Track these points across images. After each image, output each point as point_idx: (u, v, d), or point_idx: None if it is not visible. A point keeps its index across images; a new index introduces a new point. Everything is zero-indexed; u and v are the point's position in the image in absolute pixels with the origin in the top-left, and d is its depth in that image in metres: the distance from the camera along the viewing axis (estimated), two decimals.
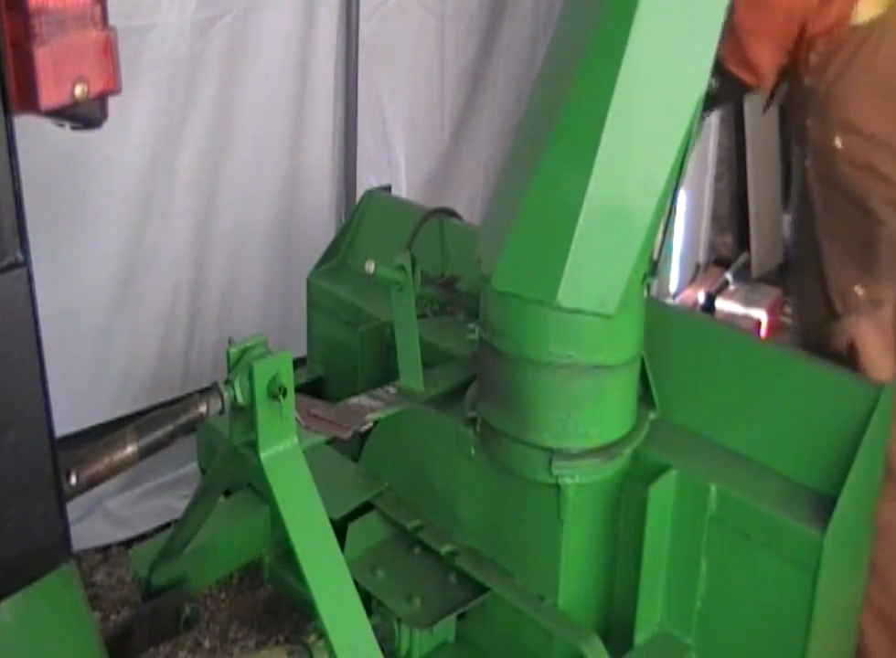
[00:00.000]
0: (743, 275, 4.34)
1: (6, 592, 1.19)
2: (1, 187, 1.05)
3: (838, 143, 1.97)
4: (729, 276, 4.29)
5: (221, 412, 1.59)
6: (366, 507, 2.14)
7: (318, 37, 2.97)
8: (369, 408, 1.96)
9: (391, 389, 2.05)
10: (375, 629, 1.66)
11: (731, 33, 1.77)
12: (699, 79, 1.64)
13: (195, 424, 1.58)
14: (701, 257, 4.40)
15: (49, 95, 1.08)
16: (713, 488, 1.77)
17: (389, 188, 2.70)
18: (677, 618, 1.88)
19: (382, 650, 1.62)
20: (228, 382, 1.57)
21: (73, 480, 1.43)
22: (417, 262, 1.98)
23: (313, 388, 2.51)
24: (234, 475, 1.85)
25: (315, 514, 1.61)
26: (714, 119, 4.12)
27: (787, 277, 3.99)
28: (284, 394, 1.56)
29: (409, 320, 2.03)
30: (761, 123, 4.28)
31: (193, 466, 2.64)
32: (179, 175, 2.69)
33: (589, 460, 1.78)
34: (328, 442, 1.90)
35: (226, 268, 2.91)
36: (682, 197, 2.00)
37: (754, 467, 1.82)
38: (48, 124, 1.14)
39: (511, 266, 1.70)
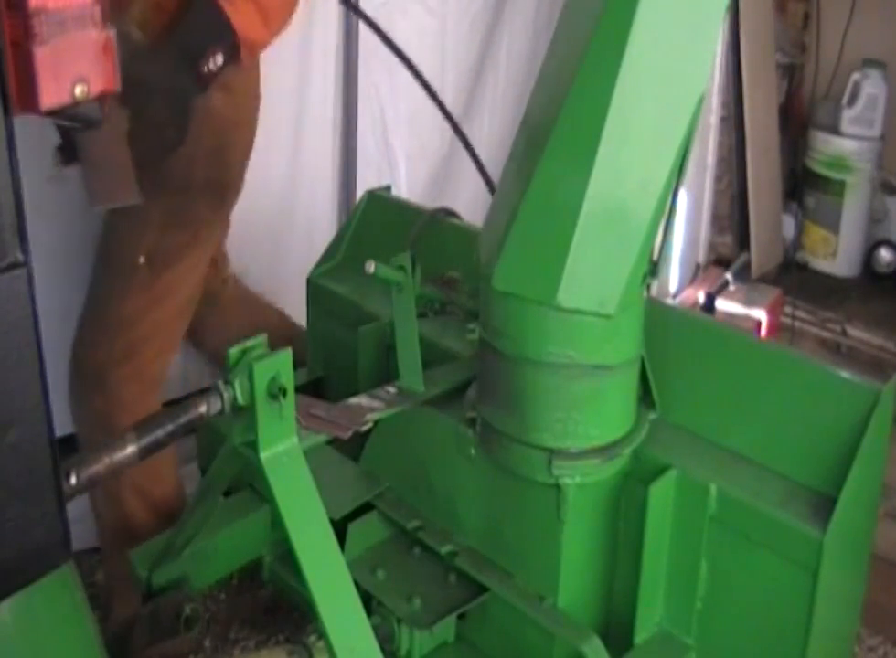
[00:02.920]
0: (743, 275, 4.34)
1: (6, 592, 1.19)
2: (1, 187, 1.05)
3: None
4: (729, 276, 4.29)
5: (221, 412, 1.59)
6: (366, 507, 2.14)
7: (318, 38, 2.97)
8: (369, 408, 1.96)
9: (391, 389, 2.05)
10: (375, 629, 1.65)
11: None
12: (699, 79, 1.63)
13: (195, 424, 1.58)
14: (701, 257, 4.40)
15: (49, 95, 1.08)
16: (713, 488, 1.77)
17: (389, 188, 2.70)
18: (677, 618, 1.88)
19: (382, 650, 1.62)
20: (228, 382, 1.57)
21: (73, 480, 1.44)
22: (417, 262, 1.98)
23: (313, 388, 2.51)
24: (234, 475, 1.85)
25: (315, 514, 1.61)
26: (714, 119, 4.12)
27: None
28: (284, 394, 1.56)
29: (409, 320, 2.03)
30: (761, 123, 4.28)
31: (193, 466, 2.64)
32: None
33: (589, 460, 1.78)
34: (328, 442, 1.90)
35: None
36: (682, 197, 2.01)
37: (754, 467, 1.82)
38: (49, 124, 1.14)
39: (511, 266, 1.70)
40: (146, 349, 2.24)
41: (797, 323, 4.18)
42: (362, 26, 3.05)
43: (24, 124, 1.09)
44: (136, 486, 2.30)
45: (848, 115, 4.38)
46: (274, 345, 1.59)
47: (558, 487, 1.80)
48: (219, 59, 1.93)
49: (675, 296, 4.18)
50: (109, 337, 2.20)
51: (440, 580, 2.05)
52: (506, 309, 1.73)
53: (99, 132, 1.52)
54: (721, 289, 4.21)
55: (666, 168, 1.63)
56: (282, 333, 2.53)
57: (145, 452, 1.54)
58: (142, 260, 2.12)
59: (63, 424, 2.13)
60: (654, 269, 1.77)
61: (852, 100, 4.36)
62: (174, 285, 2.21)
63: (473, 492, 2.01)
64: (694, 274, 4.36)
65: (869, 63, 4.35)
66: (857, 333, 4.15)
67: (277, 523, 1.66)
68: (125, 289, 2.17)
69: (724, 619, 1.84)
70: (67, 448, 1.37)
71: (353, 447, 2.20)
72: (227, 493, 2.28)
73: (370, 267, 1.89)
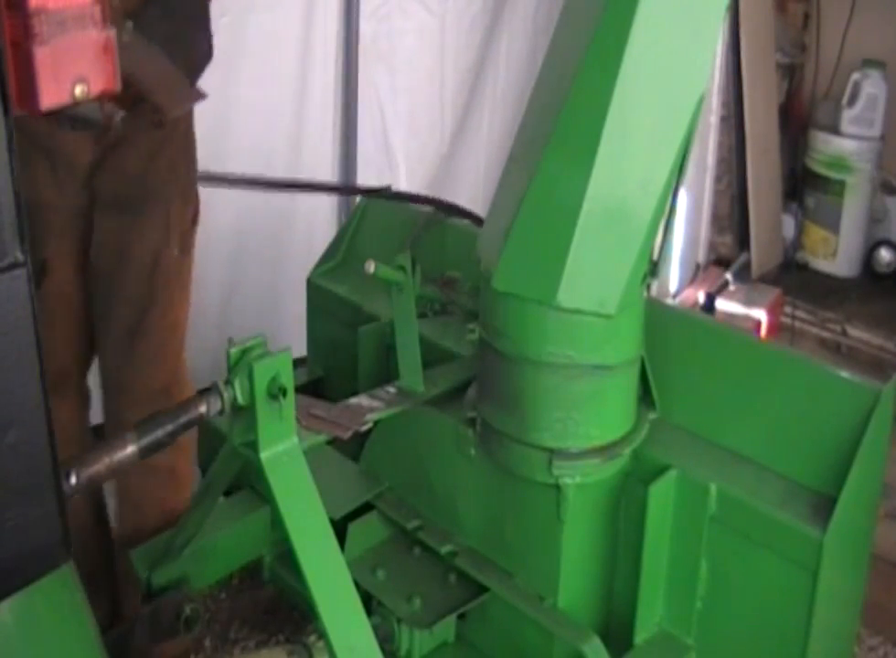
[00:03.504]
0: (743, 275, 4.35)
1: (6, 592, 1.19)
2: (1, 187, 1.05)
3: None
4: (729, 276, 4.29)
5: (221, 412, 1.59)
6: (366, 507, 2.14)
7: (318, 38, 2.97)
8: (369, 408, 1.96)
9: (391, 389, 2.05)
10: (375, 629, 1.65)
11: None
12: (699, 79, 1.64)
13: (195, 424, 1.58)
14: (701, 257, 4.40)
15: (49, 95, 1.08)
16: (713, 488, 1.78)
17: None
18: (677, 618, 1.88)
19: (382, 650, 1.62)
20: (228, 382, 1.57)
21: (73, 480, 1.43)
22: (417, 262, 1.98)
23: (313, 388, 2.51)
24: (234, 475, 1.85)
25: (315, 514, 1.61)
26: (714, 119, 4.12)
27: None
28: (284, 394, 1.56)
29: (409, 320, 2.03)
30: (761, 123, 4.28)
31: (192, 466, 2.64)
32: None
33: (589, 460, 1.78)
34: (328, 442, 1.90)
35: (226, 268, 2.91)
36: (682, 197, 2.00)
37: (754, 467, 1.82)
38: None
39: (511, 266, 1.70)
40: (182, 346, 2.25)
41: (797, 323, 4.18)
42: (363, 28, 3.05)
43: None
44: None
45: (848, 115, 4.38)
46: None
47: (558, 487, 1.80)
48: None
49: (675, 296, 4.18)
50: (163, 352, 2.19)
51: (440, 580, 2.05)
52: (506, 309, 1.73)
53: (137, 57, 1.60)
54: (721, 289, 4.21)
55: (666, 168, 1.64)
56: None
57: (146, 452, 1.54)
58: (176, 251, 2.12)
59: None
60: (654, 269, 1.77)
61: (852, 100, 4.36)
62: (190, 269, 2.20)
63: (473, 492, 2.01)
64: (694, 274, 4.36)
65: (869, 63, 4.35)
66: (857, 333, 4.15)
67: (277, 523, 1.66)
68: (168, 295, 2.15)
69: (724, 619, 1.84)
70: None
71: (353, 447, 2.20)
72: (227, 493, 2.28)
73: (370, 267, 1.89)
